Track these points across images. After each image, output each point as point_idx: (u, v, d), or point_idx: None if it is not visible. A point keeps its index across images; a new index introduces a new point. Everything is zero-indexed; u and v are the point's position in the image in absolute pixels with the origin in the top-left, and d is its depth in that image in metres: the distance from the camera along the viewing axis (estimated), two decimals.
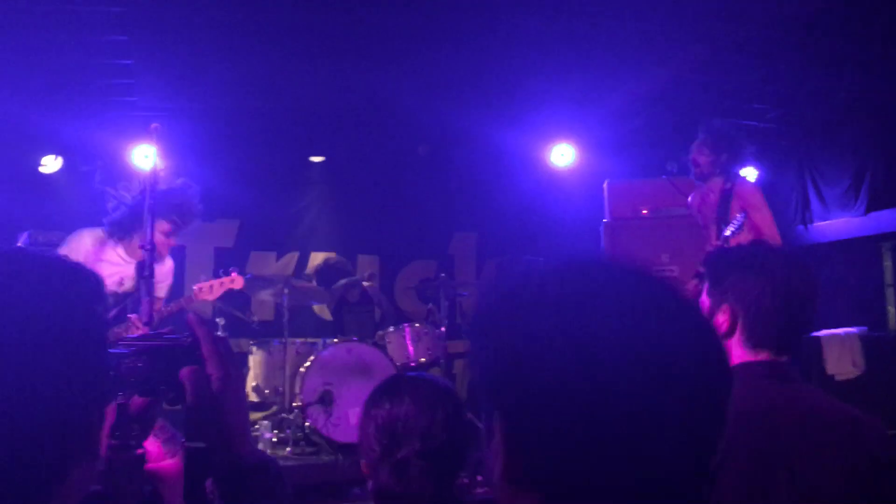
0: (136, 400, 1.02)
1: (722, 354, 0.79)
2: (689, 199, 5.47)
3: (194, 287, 4.86)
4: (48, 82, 5.91)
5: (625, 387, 0.72)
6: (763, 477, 1.59)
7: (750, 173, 7.61)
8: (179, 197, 4.56)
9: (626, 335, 0.73)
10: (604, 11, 5.05)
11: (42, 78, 5.83)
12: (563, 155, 7.34)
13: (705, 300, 1.90)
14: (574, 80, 6.14)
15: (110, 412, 0.94)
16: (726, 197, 4.97)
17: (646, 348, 0.73)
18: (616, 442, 0.72)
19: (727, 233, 4.65)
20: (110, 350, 0.95)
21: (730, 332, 1.82)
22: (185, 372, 1.00)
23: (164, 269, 4.68)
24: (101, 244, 4.49)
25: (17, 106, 6.16)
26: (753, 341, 1.80)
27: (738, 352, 1.82)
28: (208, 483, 0.99)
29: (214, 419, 1.00)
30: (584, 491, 0.73)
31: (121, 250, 4.56)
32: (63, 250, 4.41)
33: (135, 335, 1.04)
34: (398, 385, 1.81)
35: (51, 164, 6.70)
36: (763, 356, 1.80)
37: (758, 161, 7.64)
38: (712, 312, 1.86)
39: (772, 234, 4.80)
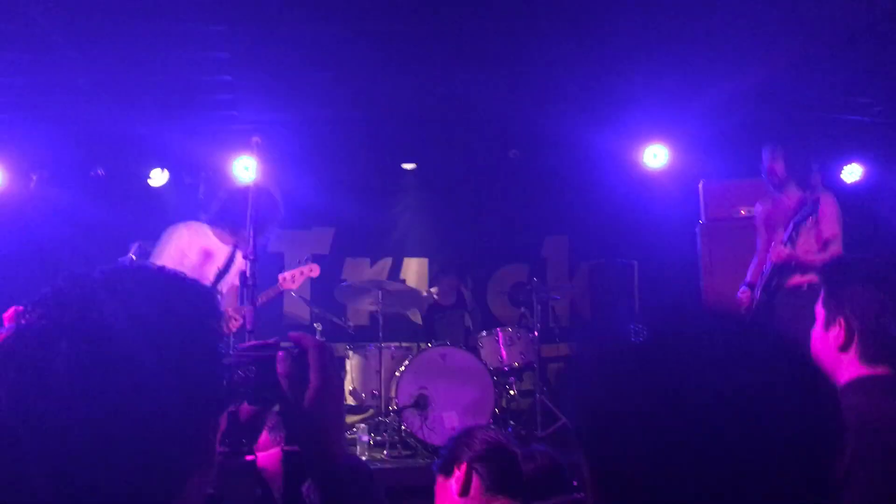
0: (245, 408, 1.09)
1: (835, 412, 0.76)
2: (757, 205, 5.38)
3: (279, 276, 5.07)
4: (155, 98, 6.20)
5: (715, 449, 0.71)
6: (886, 494, 1.55)
7: (854, 170, 7.31)
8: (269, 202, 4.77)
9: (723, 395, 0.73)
10: (698, 7, 4.95)
11: (149, 94, 6.13)
12: (655, 156, 7.21)
13: (820, 311, 1.86)
14: (667, 79, 6.04)
15: (222, 420, 1.00)
16: (801, 206, 4.85)
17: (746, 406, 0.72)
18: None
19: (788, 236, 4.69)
20: (223, 361, 1.00)
21: (845, 346, 1.78)
22: (285, 378, 1.06)
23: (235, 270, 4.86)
24: (196, 231, 4.76)
25: (126, 122, 6.50)
26: (870, 356, 1.75)
27: (854, 366, 1.77)
28: (305, 486, 1.04)
29: (312, 424, 1.06)
30: None
31: (212, 235, 4.82)
32: (162, 246, 4.67)
33: (246, 346, 1.10)
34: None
35: (158, 177, 7.03)
36: (881, 371, 1.75)
37: (863, 157, 7.33)
38: (828, 324, 1.83)
39: (840, 250, 4.72)
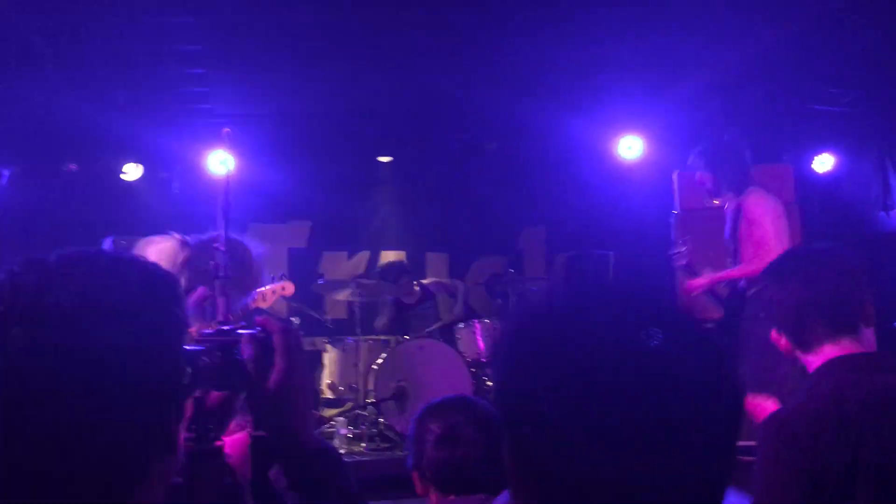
0: (213, 394, 1.07)
1: (729, 374, 0.78)
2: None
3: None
4: (128, 92, 6.15)
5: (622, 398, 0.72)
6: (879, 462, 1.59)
7: (826, 160, 7.40)
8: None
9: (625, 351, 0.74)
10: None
11: (122, 88, 6.08)
12: (630, 147, 7.25)
13: (776, 338, 1.92)
14: (642, 71, 6.08)
15: (188, 407, 0.99)
16: (736, 214, 4.72)
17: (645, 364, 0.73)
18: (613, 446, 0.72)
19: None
20: (188, 347, 0.99)
21: (791, 350, 1.85)
22: (250, 362, 1.04)
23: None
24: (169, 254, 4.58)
25: (99, 116, 6.43)
26: (821, 332, 1.79)
27: (817, 355, 1.81)
28: (272, 471, 1.04)
29: (278, 408, 1.05)
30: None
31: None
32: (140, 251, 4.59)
33: (210, 331, 1.08)
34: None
35: (132, 171, 6.97)
36: (844, 345, 1.78)
37: (835, 147, 7.42)
38: (777, 343, 1.89)
39: (776, 247, 4.33)
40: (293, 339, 1.07)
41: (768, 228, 4.50)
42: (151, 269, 0.94)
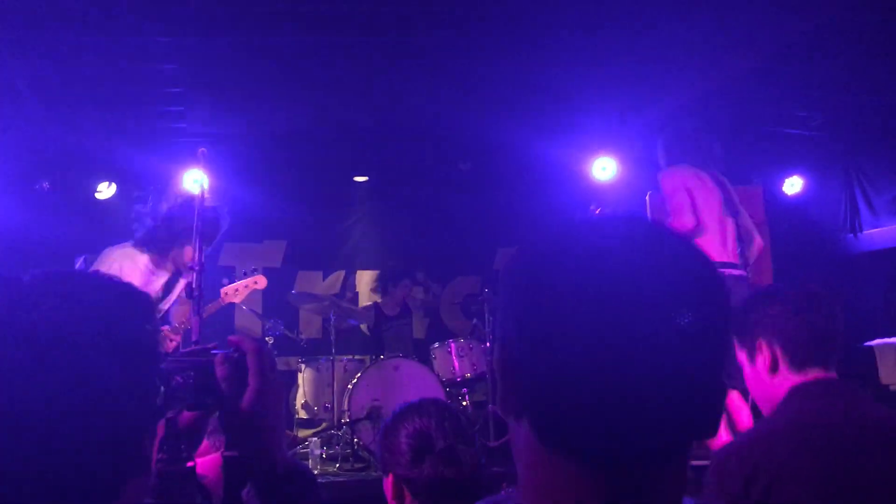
0: (186, 414, 1.07)
1: (722, 295, 0.81)
2: None
3: (221, 290, 4.89)
4: (102, 110, 6.12)
5: (625, 327, 0.74)
6: (826, 493, 1.59)
7: (795, 182, 7.54)
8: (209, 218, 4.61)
9: (631, 281, 0.76)
10: (644, 23, 5.07)
11: (96, 106, 6.05)
12: (604, 168, 7.33)
13: (740, 354, 1.94)
14: (615, 94, 6.16)
15: (160, 427, 0.99)
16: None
17: (649, 293, 0.75)
18: (614, 370, 0.74)
19: None
20: (160, 366, 0.98)
21: (773, 366, 1.85)
22: (224, 381, 1.05)
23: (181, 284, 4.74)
24: (131, 258, 4.57)
25: (72, 134, 6.40)
26: (798, 363, 1.82)
27: (788, 380, 1.83)
28: (245, 490, 1.04)
29: (252, 427, 1.05)
30: (579, 422, 0.75)
31: (147, 261, 4.60)
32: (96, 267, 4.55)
33: (181, 350, 1.09)
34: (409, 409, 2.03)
35: (105, 190, 6.93)
36: (813, 375, 1.81)
37: (804, 169, 7.56)
38: (751, 357, 1.90)
39: (677, 222, 4.68)
40: (267, 360, 1.08)
41: (676, 201, 4.74)
42: (124, 289, 0.94)
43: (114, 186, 6.93)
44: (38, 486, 0.81)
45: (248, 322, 7.40)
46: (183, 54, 5.30)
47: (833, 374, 1.83)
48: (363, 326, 7.52)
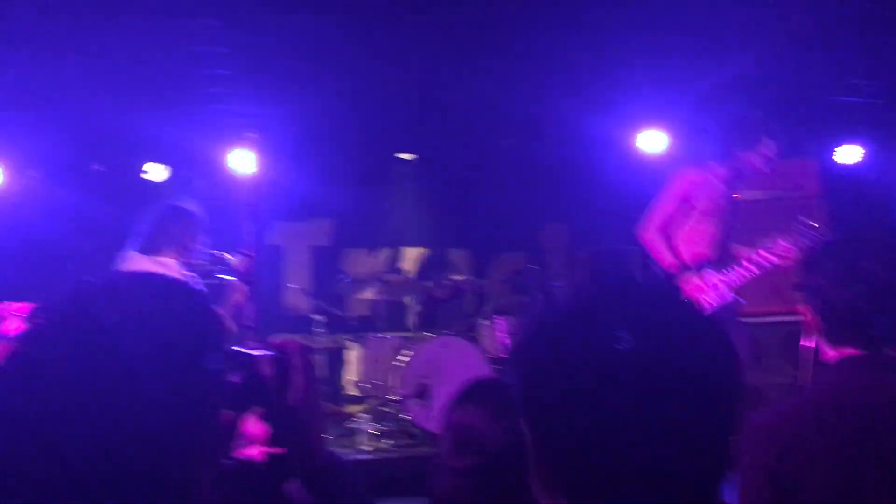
0: (226, 413, 1.08)
1: (734, 365, 0.83)
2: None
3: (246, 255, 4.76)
4: (151, 93, 6.20)
5: (634, 394, 0.77)
6: (855, 467, 1.57)
7: (856, 151, 7.31)
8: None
9: (637, 348, 0.78)
10: None
11: (145, 89, 6.13)
12: (653, 141, 7.21)
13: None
14: (664, 64, 6.03)
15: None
16: None
17: (657, 360, 0.78)
18: (627, 439, 0.77)
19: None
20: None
21: (817, 329, 1.81)
22: (270, 381, 1.08)
23: None
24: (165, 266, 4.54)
25: (123, 117, 6.49)
26: (834, 339, 1.77)
27: (829, 349, 1.79)
28: (287, 485, 1.08)
29: (298, 424, 1.10)
30: (602, 488, 0.78)
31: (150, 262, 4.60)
32: None
33: (230, 349, 1.10)
34: (471, 392, 1.79)
35: (154, 171, 7.03)
36: (853, 352, 1.75)
37: (858, 137, 7.33)
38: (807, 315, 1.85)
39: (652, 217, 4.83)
40: (308, 360, 1.14)
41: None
42: (190, 290, 0.98)
43: (166, 168, 7.02)
44: (115, 490, 0.83)
45: (297, 300, 7.49)
46: (229, 37, 5.34)
47: (870, 350, 1.75)
48: (410, 302, 7.56)
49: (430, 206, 8.04)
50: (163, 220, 4.45)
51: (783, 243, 4.55)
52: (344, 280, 6.65)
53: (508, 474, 1.64)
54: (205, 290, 0.96)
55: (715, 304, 4.57)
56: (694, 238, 4.86)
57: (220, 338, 0.95)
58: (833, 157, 7.29)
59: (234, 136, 6.60)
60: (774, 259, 4.58)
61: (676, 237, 4.91)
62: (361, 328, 6.91)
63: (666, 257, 4.77)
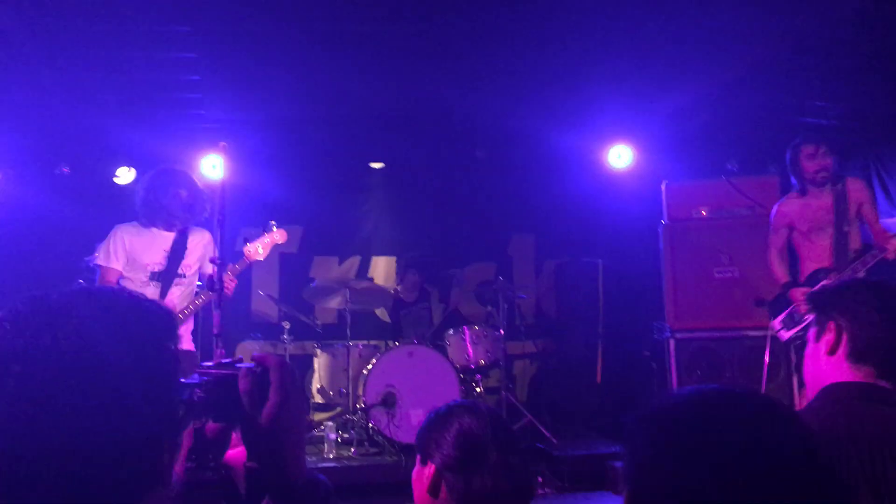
0: (211, 425, 1.10)
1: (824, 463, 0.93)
2: (778, 209, 5.47)
3: (244, 249, 4.89)
4: (122, 97, 6.17)
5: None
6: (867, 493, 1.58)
7: None
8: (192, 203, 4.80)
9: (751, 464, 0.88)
10: (662, 13, 5.05)
11: (116, 93, 6.10)
12: (620, 156, 7.32)
13: (811, 333, 1.93)
14: (632, 82, 6.14)
15: (187, 436, 1.03)
16: (841, 197, 5.15)
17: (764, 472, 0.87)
18: None
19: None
20: (187, 380, 1.02)
21: (834, 348, 1.84)
22: (245, 395, 1.07)
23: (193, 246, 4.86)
24: (135, 232, 4.73)
25: (93, 120, 6.46)
26: (857, 354, 1.80)
27: (839, 368, 1.82)
28: (265, 502, 1.07)
29: (271, 441, 1.07)
30: None
31: (155, 231, 4.77)
32: (104, 248, 4.67)
33: (210, 364, 1.11)
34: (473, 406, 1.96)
35: (124, 175, 6.99)
36: (864, 374, 1.79)
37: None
38: (818, 335, 1.89)
39: (879, 225, 5.10)
40: (288, 375, 1.09)
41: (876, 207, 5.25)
42: (147, 307, 0.98)
43: (133, 171, 6.99)
44: (59, 498, 0.84)
45: (264, 307, 7.49)
46: (201, 42, 5.34)
47: (884, 383, 1.80)
48: (379, 312, 7.58)
49: (398, 216, 8.07)
50: (150, 188, 4.75)
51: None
52: (312, 287, 6.67)
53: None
54: (152, 304, 0.94)
55: None
56: (811, 256, 5.22)
57: (174, 356, 0.96)
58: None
59: (204, 141, 6.59)
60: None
61: (801, 260, 5.32)
62: (329, 336, 6.93)
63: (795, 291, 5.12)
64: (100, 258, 4.68)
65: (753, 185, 6.44)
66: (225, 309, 4.17)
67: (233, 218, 4.83)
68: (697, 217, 6.45)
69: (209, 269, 4.64)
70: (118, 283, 4.57)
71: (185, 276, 4.73)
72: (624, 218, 7.42)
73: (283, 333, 6.64)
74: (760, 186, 6.43)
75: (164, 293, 4.61)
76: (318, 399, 6.47)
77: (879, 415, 1.71)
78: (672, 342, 6.27)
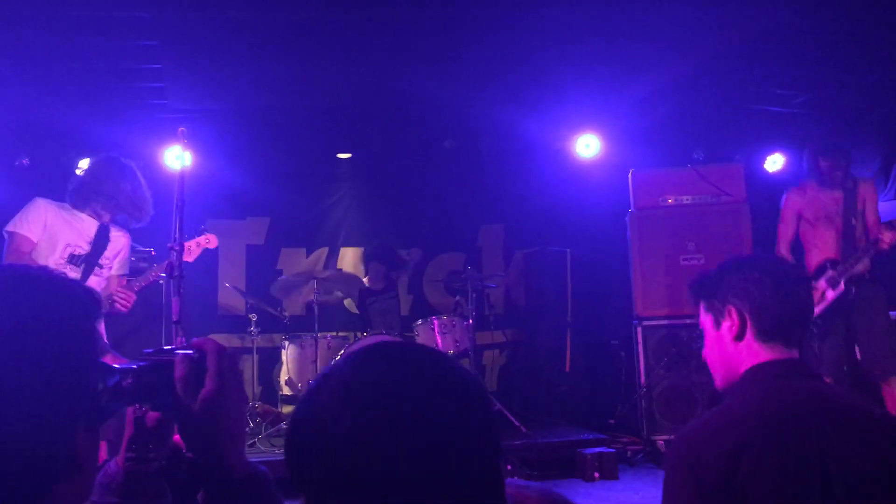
0: (152, 414, 1.06)
1: (488, 418, 0.91)
2: (787, 197, 5.70)
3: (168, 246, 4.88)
4: (82, 87, 6.05)
5: (404, 461, 0.81)
6: (797, 476, 1.58)
7: (777, 160, 7.57)
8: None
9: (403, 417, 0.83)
10: (627, 2, 5.06)
11: (76, 83, 5.98)
12: (588, 146, 7.34)
13: (706, 319, 1.92)
14: (598, 71, 6.14)
15: (129, 425, 1.00)
16: (850, 193, 5.37)
17: (419, 424, 0.83)
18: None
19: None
20: (124, 366, 0.98)
21: (741, 333, 1.83)
22: (180, 382, 1.01)
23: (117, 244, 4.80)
24: (58, 209, 4.64)
25: (53, 110, 6.33)
26: (765, 333, 1.80)
27: (751, 351, 1.82)
28: (200, 495, 1.01)
29: (206, 431, 1.01)
30: None
31: (83, 215, 4.70)
32: (21, 216, 4.53)
33: (150, 350, 1.05)
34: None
35: (86, 166, 6.86)
36: (777, 352, 1.80)
37: (785, 147, 7.60)
38: (717, 323, 1.88)
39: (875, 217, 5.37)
40: (227, 362, 1.04)
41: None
42: (61, 284, 0.93)
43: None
44: None
45: (231, 300, 7.41)
46: (163, 30, 5.24)
47: (795, 354, 1.82)
48: (347, 303, 7.54)
49: (366, 207, 8.02)
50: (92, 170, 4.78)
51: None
52: (279, 281, 6.61)
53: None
54: (72, 282, 0.90)
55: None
56: (818, 245, 5.40)
57: (91, 336, 0.91)
58: (762, 164, 7.54)
59: (167, 132, 6.49)
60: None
61: (807, 251, 5.51)
62: (297, 328, 6.88)
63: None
64: (14, 224, 4.48)
65: (719, 173, 6.50)
66: (190, 301, 4.12)
67: (196, 207, 4.78)
68: (664, 205, 6.49)
69: (118, 271, 4.69)
70: (30, 255, 4.41)
71: (103, 268, 4.66)
72: (592, 207, 7.45)
73: (251, 326, 6.58)
74: (726, 174, 6.49)
75: (85, 278, 4.52)
76: (287, 391, 6.42)
77: (804, 388, 1.72)
78: (640, 329, 6.31)
